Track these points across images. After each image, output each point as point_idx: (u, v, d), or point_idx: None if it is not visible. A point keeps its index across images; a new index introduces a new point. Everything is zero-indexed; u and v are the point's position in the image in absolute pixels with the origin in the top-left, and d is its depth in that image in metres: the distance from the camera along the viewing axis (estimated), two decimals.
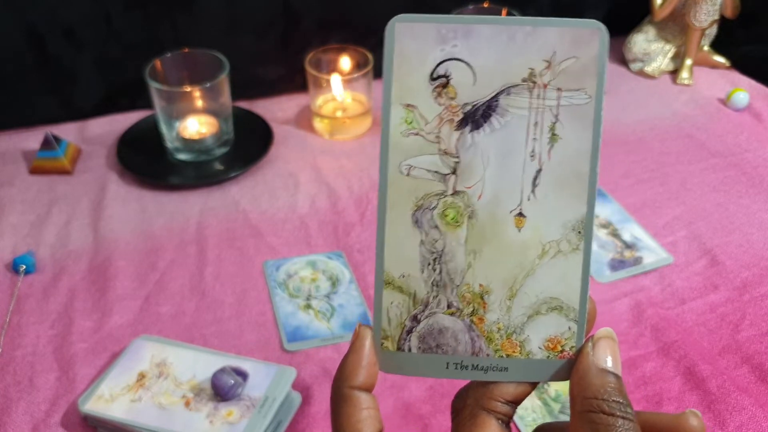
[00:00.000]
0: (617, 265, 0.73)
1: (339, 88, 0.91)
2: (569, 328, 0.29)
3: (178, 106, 0.85)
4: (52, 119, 0.93)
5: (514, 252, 0.29)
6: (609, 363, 0.28)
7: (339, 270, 0.72)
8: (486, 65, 0.29)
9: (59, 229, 0.77)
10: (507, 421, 0.29)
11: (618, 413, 0.26)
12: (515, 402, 0.30)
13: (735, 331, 0.65)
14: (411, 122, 0.29)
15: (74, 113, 0.94)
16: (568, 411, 0.34)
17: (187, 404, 0.56)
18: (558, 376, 0.30)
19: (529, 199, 0.29)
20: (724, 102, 0.99)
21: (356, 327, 0.30)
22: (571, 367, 0.29)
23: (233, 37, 0.94)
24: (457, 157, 0.29)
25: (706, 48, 1.07)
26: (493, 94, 0.29)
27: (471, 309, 0.30)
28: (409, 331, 0.30)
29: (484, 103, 0.29)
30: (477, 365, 0.30)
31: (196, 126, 0.87)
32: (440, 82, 0.29)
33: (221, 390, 0.56)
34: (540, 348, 0.30)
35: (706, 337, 0.65)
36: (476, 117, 0.29)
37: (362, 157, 0.89)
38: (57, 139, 0.85)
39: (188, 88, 0.84)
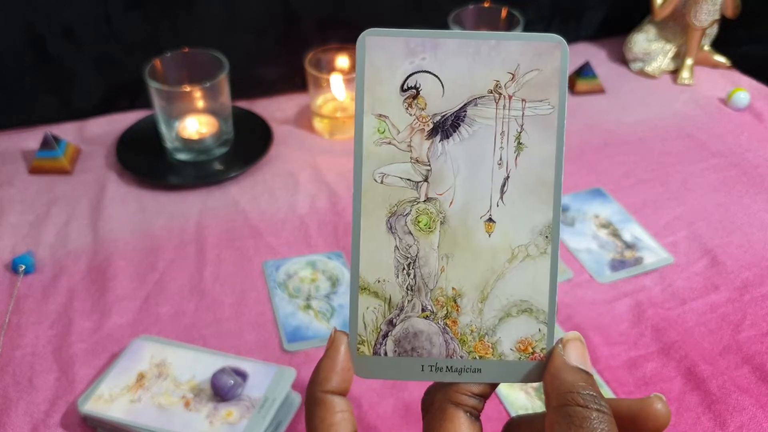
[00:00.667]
0: (618, 265, 0.73)
1: (339, 88, 0.91)
2: (539, 330, 0.31)
3: (178, 105, 0.85)
4: (52, 119, 0.93)
5: (484, 256, 0.30)
6: (580, 362, 0.29)
7: (339, 270, 0.72)
8: (454, 77, 0.30)
9: (59, 229, 0.77)
10: (476, 414, 0.30)
11: (593, 406, 0.27)
12: (483, 396, 0.31)
13: (736, 331, 0.65)
14: (383, 132, 0.30)
15: (74, 113, 0.94)
16: None
17: (186, 405, 0.56)
18: (530, 378, 0.31)
19: (498, 206, 0.30)
20: (725, 102, 0.99)
21: (331, 332, 0.31)
22: (542, 368, 0.30)
23: (233, 37, 0.94)
24: (429, 165, 0.30)
25: (706, 48, 1.07)
26: (461, 105, 0.30)
27: (444, 312, 0.31)
28: (385, 336, 0.31)
29: (452, 114, 0.30)
30: (451, 367, 0.31)
31: (196, 126, 0.87)
32: (410, 93, 0.30)
33: (221, 390, 0.56)
34: (512, 349, 0.31)
35: (707, 337, 0.65)
36: (446, 127, 0.30)
37: None
38: (56, 139, 0.85)
39: (188, 88, 0.84)
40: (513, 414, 0.58)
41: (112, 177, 0.85)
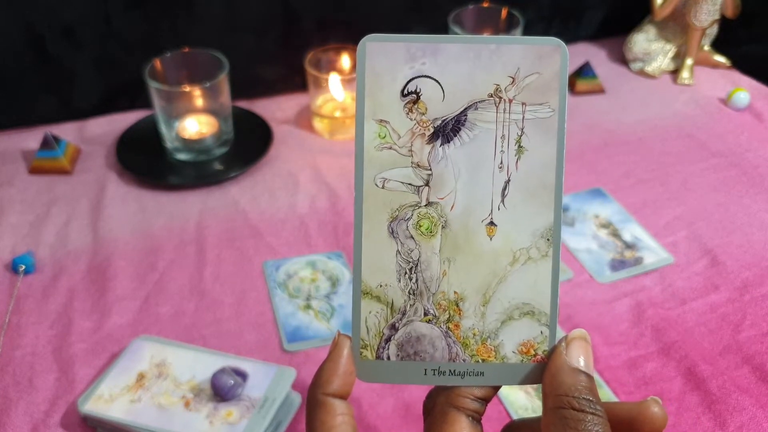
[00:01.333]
0: (618, 265, 0.73)
1: (338, 88, 0.91)
2: (541, 333, 0.31)
3: (178, 105, 0.85)
4: (52, 119, 0.93)
5: (486, 260, 0.31)
6: (581, 363, 0.29)
7: (339, 270, 0.72)
8: (454, 82, 0.30)
9: (58, 229, 0.77)
10: (477, 418, 0.30)
11: (588, 410, 0.27)
12: (484, 399, 0.31)
13: (736, 331, 0.65)
14: (384, 137, 0.30)
15: (73, 113, 0.94)
16: None
17: (186, 405, 0.56)
18: (531, 380, 0.31)
19: (499, 209, 0.30)
20: (725, 102, 0.99)
21: (335, 336, 0.31)
22: (544, 369, 0.30)
23: (233, 36, 0.94)
24: (430, 169, 0.31)
25: (706, 48, 1.07)
26: (462, 109, 0.30)
27: (447, 316, 0.31)
28: (387, 340, 0.31)
29: (453, 118, 0.30)
30: (454, 371, 0.31)
31: (196, 126, 0.87)
32: (411, 98, 0.30)
33: (221, 390, 0.56)
34: (514, 352, 0.31)
35: (707, 337, 0.65)
36: (446, 131, 0.30)
37: None
38: (56, 139, 0.85)
39: (188, 88, 0.84)
40: (513, 414, 0.58)
41: (112, 177, 0.85)
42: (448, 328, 0.31)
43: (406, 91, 0.30)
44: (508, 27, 0.93)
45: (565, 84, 0.30)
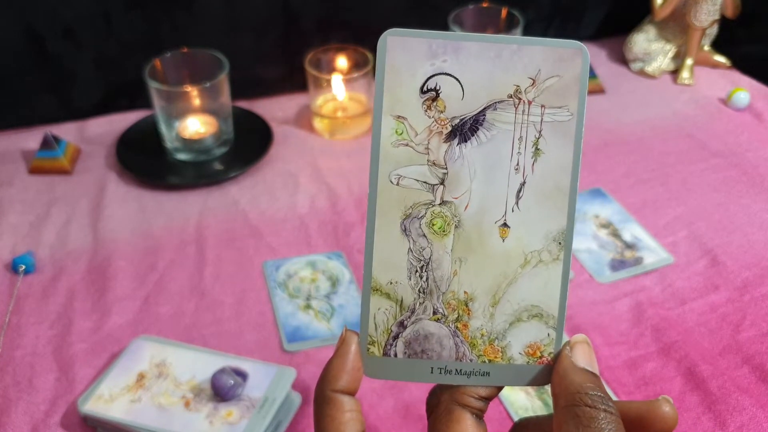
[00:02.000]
0: (618, 265, 0.73)
1: (340, 88, 0.91)
2: (548, 335, 0.31)
3: (178, 105, 0.85)
4: (52, 119, 0.93)
5: (498, 261, 0.31)
6: (587, 364, 0.30)
7: (339, 270, 0.72)
8: (474, 81, 0.30)
9: (58, 229, 0.77)
10: (481, 415, 0.31)
11: (600, 406, 0.28)
12: (488, 398, 0.31)
13: (736, 331, 0.65)
14: (401, 133, 0.30)
15: (74, 113, 0.94)
16: None
17: (186, 405, 0.56)
18: (537, 381, 0.31)
19: (513, 211, 0.30)
20: (725, 102, 0.99)
21: (342, 331, 0.31)
22: (549, 372, 0.31)
23: (233, 36, 0.94)
24: (445, 168, 0.30)
25: (706, 48, 1.07)
26: (481, 109, 0.30)
27: (456, 315, 0.31)
28: (396, 337, 0.31)
29: (471, 117, 0.30)
30: (460, 370, 0.31)
31: (196, 126, 0.87)
32: (430, 95, 0.30)
33: (221, 390, 0.56)
34: (521, 354, 0.31)
35: (707, 337, 0.65)
36: (464, 130, 0.30)
37: (362, 157, 0.89)
38: (56, 139, 0.85)
39: (188, 88, 0.84)
40: (513, 414, 0.58)
41: (112, 177, 0.85)
42: (457, 327, 0.31)
43: (425, 88, 0.30)
44: (507, 27, 0.93)
45: (585, 88, 0.30)
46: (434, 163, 0.30)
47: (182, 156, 0.87)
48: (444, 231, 0.30)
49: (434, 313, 0.31)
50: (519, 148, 0.30)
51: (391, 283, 0.31)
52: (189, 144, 0.86)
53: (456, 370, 0.31)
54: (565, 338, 0.31)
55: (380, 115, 0.30)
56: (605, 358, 0.62)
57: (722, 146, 0.91)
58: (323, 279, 0.71)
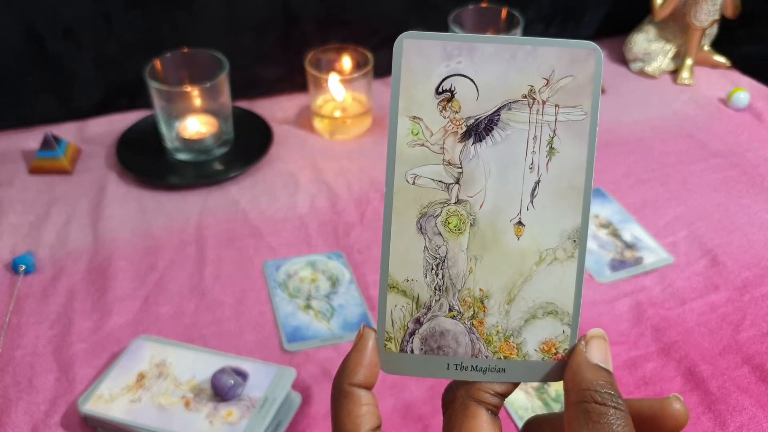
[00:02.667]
0: (618, 265, 0.73)
1: (338, 89, 0.91)
2: (563, 332, 0.31)
3: (178, 105, 0.85)
4: (52, 119, 0.93)
5: (513, 259, 0.31)
6: (601, 360, 0.30)
7: (339, 270, 0.72)
8: (488, 81, 0.30)
9: (59, 229, 0.77)
10: (496, 412, 0.31)
11: (610, 403, 0.28)
12: (504, 395, 0.31)
13: (735, 331, 0.65)
14: (417, 133, 0.31)
15: (74, 113, 0.94)
16: None
17: (186, 405, 0.56)
18: (551, 377, 0.31)
19: (528, 209, 0.31)
20: (725, 102, 0.99)
21: (360, 328, 0.31)
22: (563, 368, 0.31)
23: (233, 36, 0.94)
24: (461, 167, 0.31)
25: (706, 48, 1.07)
26: (495, 109, 0.30)
27: (471, 312, 0.31)
28: (412, 333, 0.31)
29: (486, 117, 0.30)
30: (476, 366, 0.31)
31: (196, 126, 0.87)
32: (445, 96, 0.30)
33: (221, 390, 0.56)
34: (536, 350, 0.31)
35: (707, 337, 0.65)
36: (479, 130, 0.30)
37: (362, 157, 0.89)
38: (56, 139, 0.85)
39: (188, 88, 0.84)
40: (513, 414, 0.58)
41: (112, 177, 0.85)
42: (472, 324, 0.31)
43: (440, 89, 0.30)
44: (507, 27, 0.93)
45: (599, 88, 0.30)
46: (449, 163, 0.31)
47: (182, 156, 0.87)
48: (459, 229, 0.31)
49: (450, 310, 0.31)
50: (533, 148, 0.30)
51: (407, 280, 0.31)
52: (189, 144, 0.86)
53: (472, 366, 0.31)
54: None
55: (396, 116, 0.30)
56: None
57: (722, 146, 0.91)
58: (323, 279, 0.71)
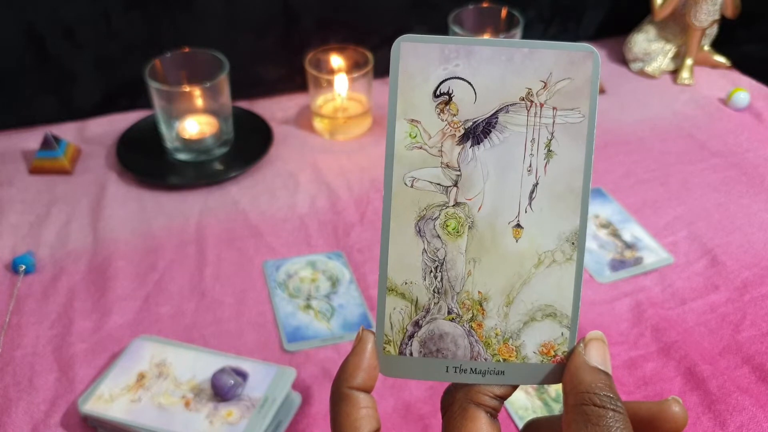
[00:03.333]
0: (617, 265, 0.73)
1: (343, 87, 0.91)
2: (562, 334, 0.31)
3: (178, 106, 0.85)
4: (52, 119, 0.93)
5: (511, 261, 0.31)
6: (600, 363, 0.30)
7: (339, 270, 0.72)
8: (486, 84, 0.30)
9: (59, 229, 0.77)
10: (495, 414, 0.31)
11: (609, 406, 0.28)
12: (503, 397, 0.31)
13: (735, 331, 0.65)
14: (415, 136, 0.31)
15: (74, 113, 0.94)
16: None
17: (186, 405, 0.56)
18: (550, 380, 0.31)
19: (526, 212, 0.31)
20: (725, 102, 0.99)
21: (359, 330, 0.31)
22: (562, 370, 0.31)
23: (233, 36, 0.94)
24: (459, 170, 0.31)
25: (706, 48, 1.07)
26: (493, 112, 0.30)
27: (470, 315, 0.31)
28: (411, 336, 0.31)
29: (484, 120, 0.30)
30: (475, 369, 0.31)
31: (196, 126, 0.87)
32: (443, 99, 0.30)
33: (221, 390, 0.56)
34: (534, 353, 0.31)
35: (707, 337, 0.65)
36: (477, 133, 0.31)
37: (362, 157, 0.89)
38: (56, 139, 0.85)
39: (188, 88, 0.84)
40: (513, 414, 0.58)
41: (112, 177, 0.85)
42: (471, 327, 0.31)
43: (438, 92, 0.30)
44: (507, 27, 0.93)
45: (596, 90, 0.30)
46: (447, 166, 0.31)
47: (182, 156, 0.87)
48: (458, 232, 0.31)
49: (449, 312, 0.31)
50: (531, 150, 0.30)
51: (406, 283, 0.31)
52: (189, 144, 0.86)
53: (471, 369, 0.31)
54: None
55: (394, 119, 0.30)
56: None
57: (722, 146, 0.91)
58: (323, 279, 0.71)
